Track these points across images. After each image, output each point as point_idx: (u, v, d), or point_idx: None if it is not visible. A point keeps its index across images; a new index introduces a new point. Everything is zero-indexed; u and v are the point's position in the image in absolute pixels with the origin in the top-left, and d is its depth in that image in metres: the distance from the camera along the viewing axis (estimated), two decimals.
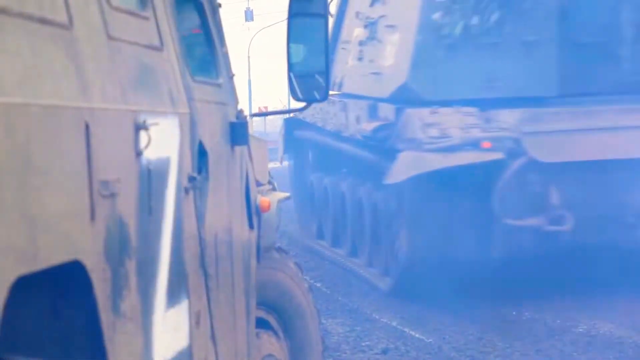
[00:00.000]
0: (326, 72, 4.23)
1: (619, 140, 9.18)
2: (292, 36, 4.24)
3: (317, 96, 4.26)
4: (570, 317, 8.47)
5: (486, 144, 9.12)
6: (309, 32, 4.24)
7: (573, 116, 9.43)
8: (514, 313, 8.72)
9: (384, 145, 9.76)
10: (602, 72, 9.80)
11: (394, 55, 10.37)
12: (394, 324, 8.41)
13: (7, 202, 1.85)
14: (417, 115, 9.39)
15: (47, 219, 2.01)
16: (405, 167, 9.21)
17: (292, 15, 4.23)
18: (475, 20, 9.73)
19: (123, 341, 2.46)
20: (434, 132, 9.16)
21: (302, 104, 4.42)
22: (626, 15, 9.85)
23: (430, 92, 9.45)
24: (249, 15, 53.80)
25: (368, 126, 10.08)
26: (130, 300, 2.53)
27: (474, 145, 9.09)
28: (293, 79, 4.23)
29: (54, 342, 2.29)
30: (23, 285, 1.92)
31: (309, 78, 4.24)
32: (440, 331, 8.07)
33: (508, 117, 9.28)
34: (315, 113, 12.02)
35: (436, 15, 9.69)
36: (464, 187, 9.09)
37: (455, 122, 9.22)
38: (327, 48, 4.22)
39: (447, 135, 9.12)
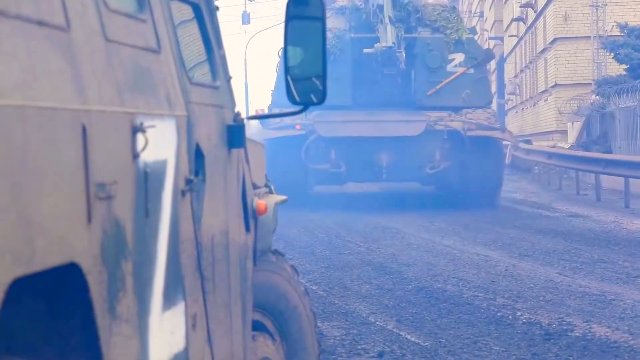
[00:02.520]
0: (323, 75, 4.21)
1: (370, 126, 19.07)
2: (290, 39, 4.23)
3: (314, 99, 4.24)
4: (565, 321, 8.48)
5: (298, 127, 18.94)
6: (306, 35, 4.23)
7: (344, 114, 19.11)
8: (509, 317, 8.73)
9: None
10: (374, 94, 20.05)
11: (274, 82, 20.50)
12: (390, 327, 8.41)
13: (3, 204, 1.85)
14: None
15: (44, 221, 2.01)
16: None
17: (289, 18, 4.22)
18: None
19: (119, 343, 2.46)
20: (277, 120, 17.37)
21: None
22: (381, 67, 19.73)
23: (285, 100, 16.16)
24: (245, 18, 53.81)
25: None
26: (127, 303, 2.53)
27: (292, 127, 18.89)
28: (290, 82, 4.22)
29: (50, 344, 2.29)
30: (19, 287, 1.92)
31: (306, 81, 4.23)
32: (436, 334, 8.07)
33: (313, 114, 18.37)
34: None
35: None
36: (290, 149, 18.83)
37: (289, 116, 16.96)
38: (325, 51, 4.21)
39: (281, 122, 18.33)
